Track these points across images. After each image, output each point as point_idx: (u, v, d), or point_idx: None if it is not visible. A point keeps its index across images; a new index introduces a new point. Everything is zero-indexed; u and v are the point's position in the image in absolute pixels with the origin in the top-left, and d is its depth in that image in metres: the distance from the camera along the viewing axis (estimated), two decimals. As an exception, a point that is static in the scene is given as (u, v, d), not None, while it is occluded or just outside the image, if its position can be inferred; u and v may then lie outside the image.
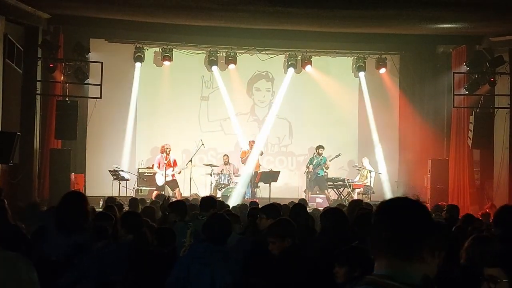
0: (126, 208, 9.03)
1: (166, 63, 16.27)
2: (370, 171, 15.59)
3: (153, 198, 12.71)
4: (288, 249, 4.30)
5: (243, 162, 15.67)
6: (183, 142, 16.39)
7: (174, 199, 11.91)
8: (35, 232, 4.74)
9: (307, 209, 7.99)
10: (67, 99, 14.51)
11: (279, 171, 15.41)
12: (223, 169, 15.26)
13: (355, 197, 14.79)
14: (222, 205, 8.40)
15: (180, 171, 14.88)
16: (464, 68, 15.09)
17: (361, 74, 16.82)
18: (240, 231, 6.33)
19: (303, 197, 14.20)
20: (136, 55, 16.04)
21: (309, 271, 4.13)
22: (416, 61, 17.11)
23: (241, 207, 9.42)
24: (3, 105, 12.30)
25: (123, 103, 16.21)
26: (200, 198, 7.92)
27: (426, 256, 1.85)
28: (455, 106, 15.19)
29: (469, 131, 14.73)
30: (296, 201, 8.12)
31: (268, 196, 14.39)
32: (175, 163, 14.86)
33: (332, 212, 5.11)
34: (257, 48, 16.57)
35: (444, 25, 14.13)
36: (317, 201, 14.85)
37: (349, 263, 3.36)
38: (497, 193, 14.35)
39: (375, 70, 16.84)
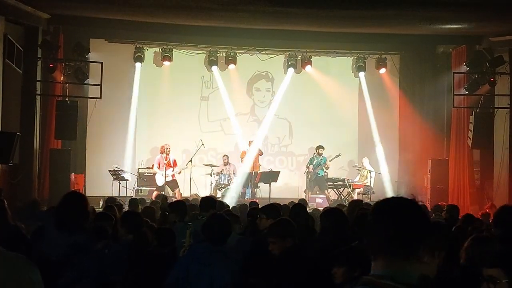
0: (126, 208, 9.02)
1: (166, 63, 16.27)
2: (370, 171, 15.58)
3: (153, 198, 12.72)
4: (288, 249, 4.30)
5: (242, 162, 15.67)
6: (183, 142, 16.38)
7: (174, 199, 11.92)
8: (35, 232, 4.74)
9: (307, 209, 7.99)
10: (67, 99, 14.52)
11: (279, 171, 15.41)
12: (223, 169, 15.26)
13: (355, 197, 14.78)
14: (222, 205, 8.40)
15: (180, 171, 14.88)
16: (464, 68, 15.09)
17: (361, 74, 16.82)
18: (240, 231, 6.33)
19: (303, 197, 14.20)
20: (136, 55, 16.04)
21: (309, 271, 4.12)
22: (416, 61, 17.11)
23: (241, 207, 9.42)
24: (3, 105, 12.30)
25: (123, 103, 16.21)
26: (200, 199, 7.91)
27: (424, 255, 1.84)
28: (455, 106, 15.19)
29: (469, 131, 14.74)
30: (296, 201, 8.12)
31: (268, 196, 14.39)
32: (175, 163, 14.86)
33: (332, 212, 5.11)
34: (257, 48, 16.57)
35: (444, 25, 14.13)
36: (317, 201, 14.86)
37: (348, 264, 3.35)
38: (497, 193, 14.35)
39: (375, 70, 16.84)
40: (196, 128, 16.75)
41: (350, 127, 17.18)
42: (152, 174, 15.04)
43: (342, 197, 15.24)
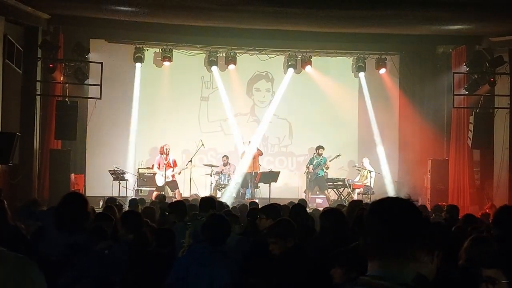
0: (126, 208, 9.02)
1: (166, 63, 16.27)
2: (370, 172, 15.58)
3: (153, 198, 12.71)
4: (289, 250, 4.30)
5: (243, 162, 15.67)
6: (183, 143, 16.38)
7: (174, 200, 11.93)
8: (34, 232, 4.74)
9: (307, 209, 7.99)
10: (67, 99, 14.52)
11: (279, 172, 15.41)
12: (223, 170, 15.27)
13: (355, 197, 14.79)
14: (221, 205, 8.40)
15: (180, 172, 14.88)
16: (464, 68, 15.10)
17: (361, 74, 16.82)
18: (239, 231, 6.33)
19: (303, 197, 14.19)
20: (136, 55, 16.04)
21: (309, 271, 4.12)
22: (416, 61, 17.11)
23: (241, 207, 9.42)
24: (3, 106, 12.30)
25: (123, 104, 16.21)
26: (200, 199, 7.91)
27: (419, 255, 1.84)
28: (455, 106, 15.20)
29: (469, 131, 14.74)
30: (296, 202, 8.13)
31: (268, 197, 14.39)
32: (174, 163, 14.86)
33: (332, 213, 5.11)
34: (257, 48, 16.58)
35: (444, 25, 14.13)
36: (317, 201, 14.85)
37: (346, 264, 3.35)
38: (497, 193, 14.35)
39: (375, 70, 16.84)
40: (196, 128, 16.74)
41: (350, 127, 17.18)
42: (152, 175, 15.04)
43: (342, 197, 15.25)
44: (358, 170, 15.96)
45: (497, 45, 14.50)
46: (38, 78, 14.10)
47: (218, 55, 16.51)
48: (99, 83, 14.08)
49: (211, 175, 15.33)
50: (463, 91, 15.00)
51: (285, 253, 4.30)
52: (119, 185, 14.32)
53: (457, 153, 15.51)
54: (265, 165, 16.46)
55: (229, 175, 15.14)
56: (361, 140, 17.10)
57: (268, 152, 17.09)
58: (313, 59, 16.66)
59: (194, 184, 15.09)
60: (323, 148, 15.46)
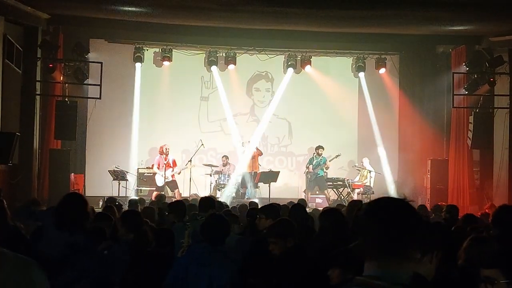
0: (126, 208, 9.03)
1: (166, 63, 16.28)
2: (370, 171, 15.58)
3: (153, 198, 12.71)
4: (289, 249, 4.30)
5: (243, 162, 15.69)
6: (182, 143, 16.38)
7: (173, 199, 11.93)
8: (34, 232, 4.74)
9: (307, 209, 7.99)
10: (66, 99, 14.52)
11: (279, 171, 15.41)
12: (222, 170, 15.27)
13: (355, 197, 14.80)
14: (221, 205, 8.40)
15: (180, 172, 14.88)
16: (463, 68, 15.10)
17: (361, 74, 16.82)
18: (239, 231, 6.33)
19: (303, 197, 14.19)
20: (136, 55, 16.04)
21: (309, 271, 4.12)
22: (415, 61, 17.10)
23: (240, 207, 9.42)
24: (3, 106, 12.31)
25: (122, 104, 16.21)
26: (199, 199, 7.91)
27: (415, 254, 1.84)
28: (454, 106, 15.20)
29: (469, 131, 14.74)
30: (296, 201, 8.13)
31: (268, 196, 14.39)
32: (174, 163, 14.86)
33: (331, 213, 5.11)
34: (256, 48, 16.58)
35: (444, 25, 14.13)
36: (316, 201, 14.86)
37: (343, 265, 3.35)
38: (497, 193, 14.36)
39: (374, 70, 16.84)
40: (196, 128, 16.75)
41: (350, 127, 17.17)
42: (152, 174, 15.04)
43: (342, 197, 15.25)
44: (358, 170, 15.96)
45: (497, 45, 14.50)
46: (38, 78, 14.10)
47: (218, 55, 16.51)
48: (99, 83, 14.08)
49: (210, 175, 15.33)
50: (463, 91, 15.00)
51: (285, 253, 4.30)
52: (119, 185, 14.33)
53: (457, 153, 15.52)
54: (264, 165, 16.46)
55: (228, 175, 15.15)
56: (361, 140, 17.10)
57: (268, 152, 17.09)
58: (313, 59, 16.67)
59: (193, 184, 15.09)
60: (323, 148, 15.46)
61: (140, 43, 16.10)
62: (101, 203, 12.50)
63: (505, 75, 14.35)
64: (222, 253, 4.37)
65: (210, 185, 15.41)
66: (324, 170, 15.47)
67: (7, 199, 7.82)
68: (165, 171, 14.54)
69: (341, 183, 15.52)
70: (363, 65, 16.69)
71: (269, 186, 14.75)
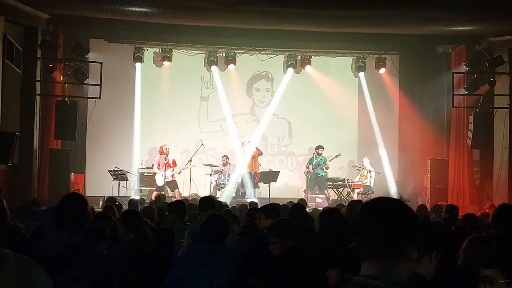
0: (126, 208, 9.03)
1: (166, 63, 16.28)
2: (370, 171, 15.58)
3: (153, 198, 12.71)
4: (289, 249, 4.30)
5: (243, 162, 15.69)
6: (182, 142, 16.38)
7: (173, 199, 11.93)
8: (34, 232, 4.75)
9: (307, 209, 7.99)
10: (66, 99, 14.52)
11: (279, 171, 15.41)
12: (222, 169, 15.27)
13: (355, 197, 14.80)
14: (221, 205, 8.40)
15: (180, 171, 14.88)
16: (463, 68, 15.10)
17: (361, 74, 16.82)
18: (239, 231, 6.33)
19: (303, 197, 14.19)
20: (136, 55, 16.04)
21: (309, 271, 4.12)
22: (416, 61, 17.10)
23: (240, 207, 9.42)
24: (3, 105, 12.30)
25: (122, 103, 16.22)
26: (199, 199, 7.91)
27: (413, 254, 1.85)
28: (454, 106, 15.21)
29: (469, 131, 14.74)
30: (296, 201, 8.12)
31: (268, 196, 14.39)
32: (174, 163, 14.86)
33: (331, 212, 5.11)
34: (256, 48, 16.58)
35: (444, 25, 14.13)
36: (316, 201, 14.86)
37: (341, 265, 3.35)
38: (497, 193, 14.36)
39: (375, 70, 16.84)
40: (196, 128, 16.75)
41: (350, 127, 17.17)
42: (152, 174, 15.04)
43: (342, 197, 15.25)
44: (358, 170, 15.96)
45: (497, 45, 14.50)
46: (38, 78, 14.09)
47: (217, 55, 16.51)
48: (99, 83, 14.08)
49: (210, 175, 15.34)
50: (463, 91, 15.00)
51: (285, 253, 4.30)
52: (119, 185, 14.33)
53: (457, 153, 15.52)
54: (264, 165, 16.46)
55: (228, 175, 15.15)
56: (361, 140, 17.10)
57: (268, 151, 17.09)
58: (313, 59, 16.67)
59: (193, 184, 15.09)
60: (323, 148, 15.46)
61: (140, 43, 16.10)
62: (101, 203, 12.50)
63: (505, 75, 14.35)
64: (222, 253, 4.37)
65: (210, 185, 15.41)
66: (324, 170, 15.47)
67: (7, 199, 7.83)
68: (165, 171, 14.55)
69: (341, 183, 15.52)
70: (363, 65, 16.69)
71: (269, 186, 14.76)
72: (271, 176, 15.00)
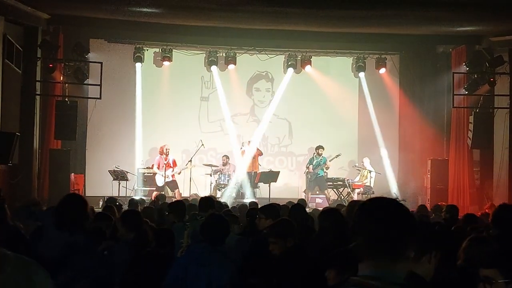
0: (126, 208, 9.03)
1: (166, 63, 16.27)
2: (370, 171, 15.58)
3: (153, 198, 12.72)
4: (289, 249, 4.29)
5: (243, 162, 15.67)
6: (183, 143, 16.38)
7: (174, 199, 11.93)
8: (33, 232, 4.75)
9: (307, 209, 7.99)
10: (66, 99, 14.52)
11: (279, 171, 15.40)
12: (222, 169, 15.27)
13: (355, 197, 14.80)
14: (221, 205, 8.40)
15: (180, 172, 14.89)
16: (463, 68, 15.10)
17: (361, 74, 16.82)
18: (239, 231, 6.33)
19: (303, 197, 14.19)
20: (136, 55, 16.03)
21: (309, 271, 4.12)
22: (416, 61, 17.09)
23: (240, 207, 9.42)
24: (3, 106, 12.31)
25: (122, 104, 16.22)
26: (199, 199, 7.91)
27: (410, 254, 1.85)
28: (454, 106, 15.21)
29: (469, 131, 14.74)
30: (296, 202, 8.13)
31: (268, 196, 14.38)
32: (174, 163, 14.87)
33: (331, 213, 5.11)
34: (256, 48, 16.57)
35: (444, 25, 14.13)
36: (317, 201, 14.84)
37: (340, 266, 3.35)
38: (497, 193, 14.35)
39: (375, 70, 16.84)
40: (196, 128, 16.74)
41: (350, 127, 17.17)
42: (152, 174, 15.04)
43: (342, 197, 15.25)
44: (358, 170, 15.96)
45: (497, 45, 14.50)
46: (38, 78, 14.09)
47: (218, 55, 16.51)
48: (99, 83, 14.07)
49: (211, 175, 15.34)
50: (463, 91, 15.00)
51: (285, 253, 4.30)
52: (119, 185, 14.33)
53: (457, 153, 15.52)
54: (265, 165, 16.46)
55: (228, 175, 15.14)
56: (361, 140, 17.10)
57: (268, 152, 17.08)
58: (313, 59, 16.66)
59: (194, 184, 15.09)
60: (323, 148, 15.46)
61: (140, 43, 16.09)
62: (101, 203, 12.50)
63: (505, 75, 14.35)
64: (222, 253, 4.37)
65: (210, 185, 15.41)
66: (324, 170, 15.47)
67: (7, 199, 7.83)
68: (165, 171, 14.55)
69: (341, 183, 15.52)
70: (363, 65, 16.68)
71: (269, 186, 14.75)
72: (271, 176, 14.99)
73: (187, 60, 16.69)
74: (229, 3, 12.33)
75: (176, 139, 16.09)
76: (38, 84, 14.13)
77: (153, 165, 15.08)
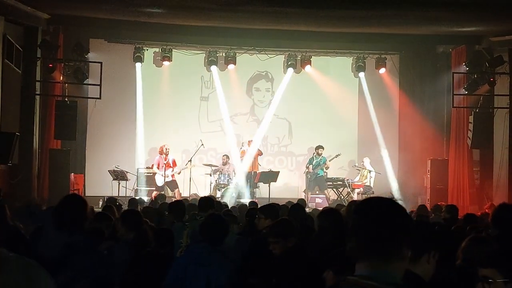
0: (126, 208, 9.03)
1: (166, 63, 16.27)
2: (370, 171, 15.58)
3: (153, 198, 12.73)
4: (290, 249, 4.30)
5: (243, 162, 15.66)
6: (182, 142, 16.38)
7: (173, 199, 11.94)
8: (33, 232, 4.75)
9: (307, 209, 8.00)
10: (66, 99, 14.52)
11: (279, 171, 15.40)
12: (222, 169, 15.26)
13: (355, 197, 14.81)
14: (220, 205, 8.41)
15: (180, 171, 14.89)
16: (463, 68, 15.10)
17: (361, 74, 16.81)
18: (238, 231, 6.33)
19: (303, 197, 14.19)
20: (136, 55, 16.03)
21: (308, 271, 4.12)
22: (416, 61, 17.10)
23: (240, 207, 9.43)
24: (2, 106, 12.31)
25: (122, 104, 16.22)
26: (199, 199, 7.92)
27: (406, 253, 1.85)
28: (454, 106, 15.21)
29: (469, 131, 14.74)
30: (295, 202, 8.13)
31: (268, 196, 14.38)
32: (174, 163, 14.87)
33: (330, 213, 5.11)
34: (256, 48, 16.57)
35: (444, 25, 14.13)
36: (316, 201, 14.84)
37: (338, 266, 3.34)
38: (497, 193, 14.36)
39: (375, 70, 16.84)
40: (196, 128, 16.74)
41: (349, 127, 17.17)
42: (151, 174, 15.04)
43: (342, 197, 15.25)
44: (358, 170, 15.96)
45: (497, 45, 14.50)
46: (38, 78, 14.09)
47: (217, 55, 16.50)
48: (99, 83, 14.07)
49: (210, 175, 15.33)
50: (463, 91, 15.00)
51: (286, 253, 4.30)
52: (119, 185, 14.34)
53: (456, 152, 15.52)
54: (264, 165, 16.46)
55: (228, 175, 15.14)
56: (361, 139, 17.10)
57: (268, 152, 17.08)
58: (313, 59, 16.66)
59: (193, 184, 15.09)
60: (323, 148, 15.46)
61: (140, 43, 16.09)
62: (101, 203, 12.51)
63: (505, 75, 14.35)
64: (221, 253, 4.37)
65: (210, 185, 15.41)
66: (324, 170, 15.47)
67: (7, 199, 7.84)
68: (165, 171, 14.55)
69: (341, 183, 15.53)
70: (363, 65, 16.68)
71: (269, 186, 14.75)
72: (271, 176, 14.99)
73: (187, 60, 16.69)
74: (229, 3, 12.32)
75: (176, 139, 16.09)
76: (38, 84, 14.13)
77: (153, 165, 15.09)
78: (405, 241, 1.84)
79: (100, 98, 14.25)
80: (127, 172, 14.76)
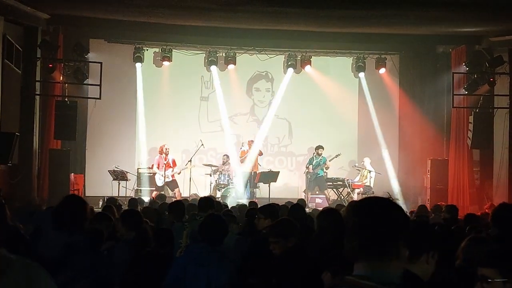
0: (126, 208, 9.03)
1: (166, 63, 16.26)
2: (370, 171, 15.58)
3: (153, 198, 12.72)
4: (290, 249, 4.30)
5: (242, 162, 15.67)
6: (182, 143, 16.38)
7: (173, 199, 11.94)
8: (33, 232, 4.75)
9: (307, 209, 8.00)
10: (66, 99, 14.52)
11: (279, 171, 15.40)
12: (222, 169, 15.26)
13: (355, 197, 14.80)
14: (220, 205, 8.41)
15: (180, 172, 14.90)
16: (463, 68, 15.10)
17: (361, 74, 16.81)
18: (238, 231, 6.34)
19: (303, 197, 14.19)
20: (136, 55, 16.03)
21: (309, 271, 4.12)
22: (416, 61, 17.10)
23: (240, 207, 9.42)
24: (2, 106, 12.31)
25: (122, 104, 16.23)
26: (199, 199, 7.92)
27: (404, 253, 1.85)
28: (454, 106, 15.21)
29: (469, 131, 14.74)
30: (295, 202, 8.13)
31: (268, 197, 14.38)
32: (174, 163, 14.88)
33: (330, 213, 5.11)
34: (256, 48, 16.57)
35: (444, 25, 14.13)
36: (316, 201, 14.84)
37: (336, 267, 3.34)
38: (497, 193, 14.36)
39: (375, 70, 16.84)
40: (196, 128, 16.74)
41: (350, 127, 17.17)
42: (151, 174, 15.05)
43: (342, 197, 15.25)
44: (358, 170, 15.96)
45: (497, 45, 14.51)
46: (38, 78, 14.08)
47: (217, 55, 16.50)
48: (99, 83, 14.07)
49: (210, 175, 15.34)
50: (463, 91, 15.00)
51: (286, 253, 4.30)
52: (119, 185, 14.34)
53: (456, 152, 15.51)
54: (264, 165, 16.45)
55: (228, 175, 15.14)
56: (361, 139, 17.10)
57: (268, 152, 17.08)
58: (313, 59, 16.66)
59: (193, 184, 15.09)
60: (323, 148, 15.46)
61: (140, 43, 16.09)
62: (101, 203, 12.51)
63: (505, 75, 14.36)
64: (221, 253, 4.37)
65: (210, 185, 15.41)
66: (324, 170, 15.47)
67: (7, 199, 7.83)
68: (164, 171, 14.55)
69: (341, 183, 15.52)
70: (363, 65, 16.68)
71: (269, 186, 14.74)
72: (271, 176, 14.99)
73: (187, 60, 16.69)
74: (229, 3, 12.32)
75: (176, 139, 16.10)
76: (38, 84, 14.13)
77: (152, 165, 15.09)
78: (400, 240, 1.84)
79: (100, 98, 14.25)
80: (127, 172, 14.76)
